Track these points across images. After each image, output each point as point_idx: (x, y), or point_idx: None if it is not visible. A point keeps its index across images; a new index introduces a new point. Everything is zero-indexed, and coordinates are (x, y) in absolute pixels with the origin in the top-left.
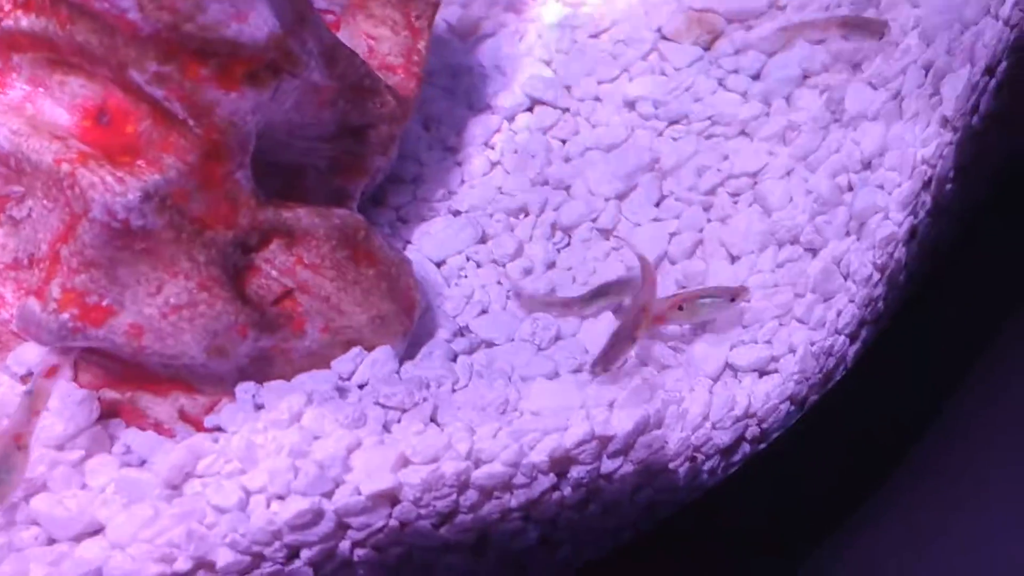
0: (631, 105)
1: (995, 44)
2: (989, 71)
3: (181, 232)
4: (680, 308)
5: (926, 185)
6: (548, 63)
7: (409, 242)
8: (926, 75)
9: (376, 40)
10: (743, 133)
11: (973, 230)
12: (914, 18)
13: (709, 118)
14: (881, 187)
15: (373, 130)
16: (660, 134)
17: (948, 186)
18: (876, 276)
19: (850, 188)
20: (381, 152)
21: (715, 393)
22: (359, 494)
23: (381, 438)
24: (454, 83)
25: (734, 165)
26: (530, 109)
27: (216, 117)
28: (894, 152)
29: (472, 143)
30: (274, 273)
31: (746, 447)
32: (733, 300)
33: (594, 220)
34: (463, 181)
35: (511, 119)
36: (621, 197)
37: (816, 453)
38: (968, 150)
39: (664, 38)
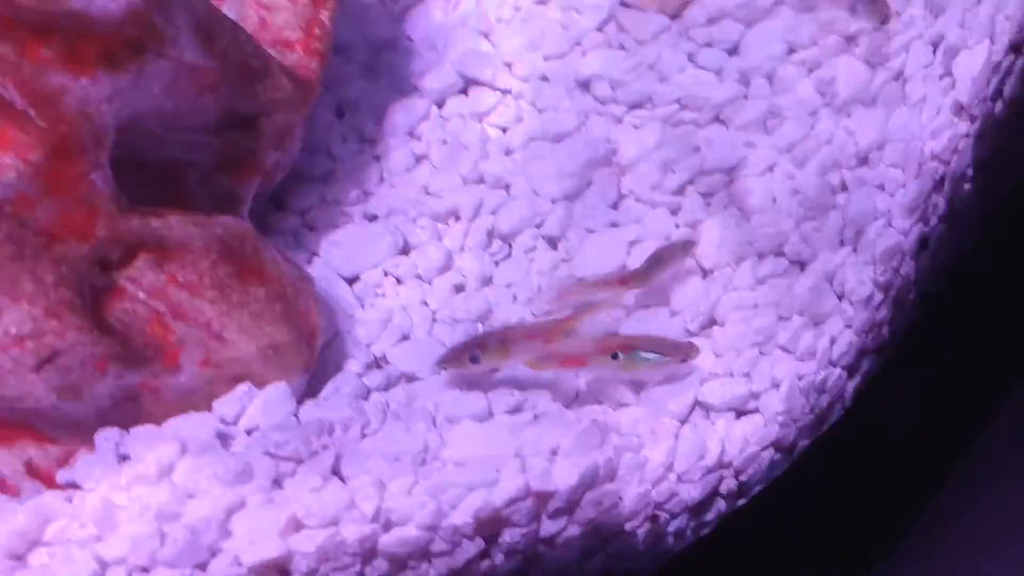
0: (584, 86)
1: (1021, 16)
2: (1015, 48)
3: (23, 247)
4: (614, 356)
5: (938, 185)
6: (486, 35)
7: (316, 254)
8: (934, 52)
9: (269, 10)
10: (717, 120)
11: (997, 239)
12: None
13: (677, 101)
14: (881, 187)
15: (266, 119)
16: (619, 121)
17: (966, 186)
18: (878, 296)
19: (844, 187)
20: (276, 145)
21: (682, 438)
22: (239, 565)
23: (270, 496)
24: (374, 59)
25: (706, 159)
26: (464, 91)
27: (64, 107)
28: (896, 144)
29: (394, 133)
30: (141, 295)
31: (721, 504)
32: (683, 360)
33: (539, 225)
34: (382, 179)
35: (441, 103)
36: (571, 198)
37: (807, 511)
38: (990, 143)
39: (624, 4)
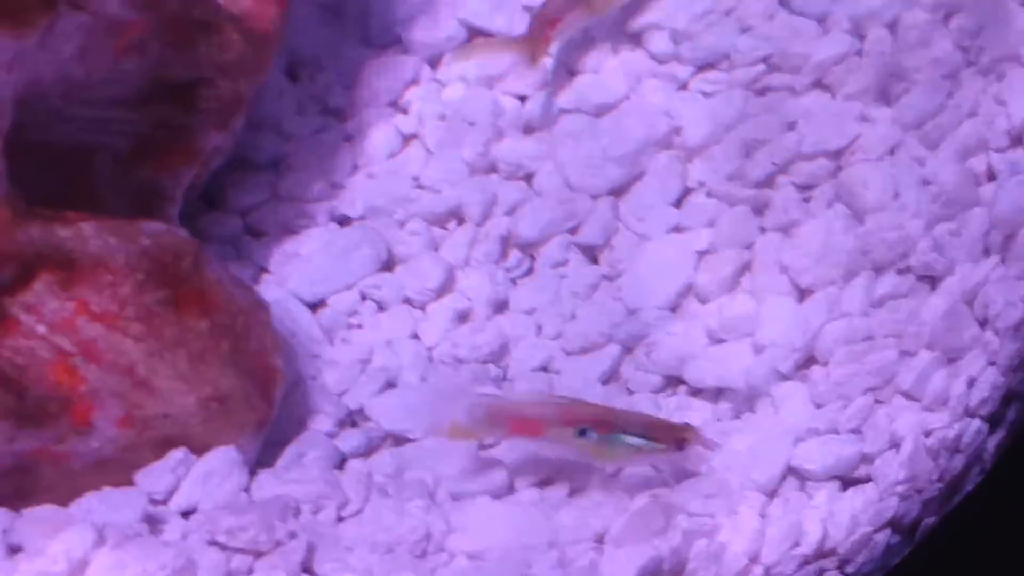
0: (635, 38)
1: None
2: None
3: None
4: (581, 432)
5: None
6: None
7: (265, 270)
8: None
9: None
10: (819, 86)
11: None
12: None
13: (764, 60)
14: None
15: (207, 88)
16: (683, 87)
17: None
18: None
19: (991, 177)
20: (219, 124)
21: (770, 518)
22: None
23: None
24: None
25: (805, 138)
26: (467, 43)
27: None
28: None
29: (370, 103)
30: (41, 329)
31: None
32: (680, 448)
33: (573, 231)
34: (356, 167)
35: (435, 63)
36: (618, 192)
37: None
38: None
39: None
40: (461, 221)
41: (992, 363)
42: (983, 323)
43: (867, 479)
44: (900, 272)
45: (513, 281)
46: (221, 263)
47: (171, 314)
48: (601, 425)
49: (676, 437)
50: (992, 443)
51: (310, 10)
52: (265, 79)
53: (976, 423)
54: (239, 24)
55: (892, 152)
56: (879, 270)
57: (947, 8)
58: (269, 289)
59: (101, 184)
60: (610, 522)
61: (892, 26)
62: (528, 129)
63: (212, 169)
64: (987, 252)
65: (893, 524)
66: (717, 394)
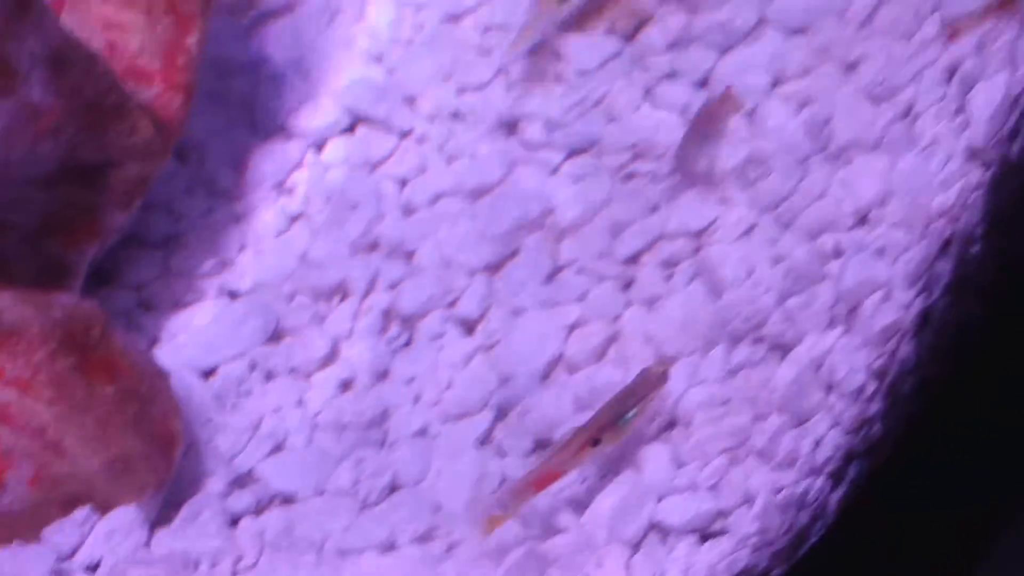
0: (510, 127)
1: None
2: None
3: None
4: (596, 443)
5: (944, 248)
6: (378, 59)
7: (157, 340)
8: (948, 81)
9: (120, 30)
10: (681, 171)
11: (1009, 311)
12: None
13: (630, 148)
14: (881, 252)
15: (115, 170)
16: (555, 171)
17: (975, 248)
18: (872, 386)
19: (837, 254)
20: (124, 203)
21: (634, 569)
22: None
23: None
24: (226, 87)
25: (668, 220)
26: (350, 131)
27: None
28: (901, 199)
29: (258, 185)
30: None
31: None
32: (656, 388)
33: (451, 304)
34: (244, 245)
35: (319, 147)
36: (493, 269)
37: None
38: (1006, 192)
39: (562, 23)
40: (345, 296)
41: (836, 425)
42: (828, 388)
43: (723, 532)
44: (754, 342)
45: (394, 352)
46: (125, 332)
47: (80, 380)
48: (607, 426)
49: (650, 384)
50: (835, 498)
51: (199, 97)
52: (167, 162)
53: (821, 480)
54: (147, 111)
55: (748, 232)
56: (735, 340)
57: (800, 99)
58: (163, 359)
59: (11, 256)
60: (488, 574)
61: (750, 115)
62: (409, 210)
63: (108, 245)
64: (833, 323)
65: (745, 574)
66: None
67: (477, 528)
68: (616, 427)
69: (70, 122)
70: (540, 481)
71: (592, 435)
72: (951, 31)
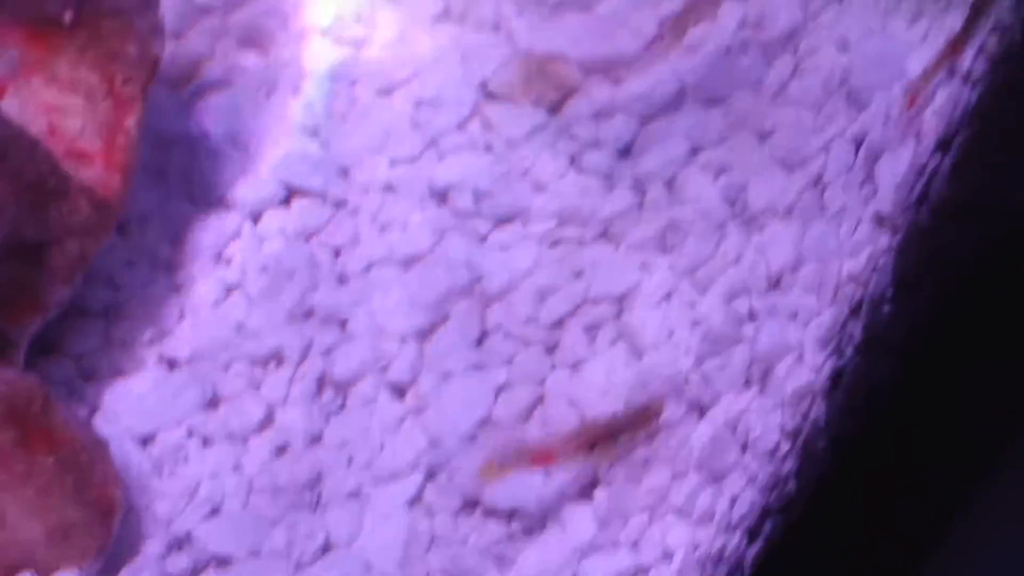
0: (441, 197)
1: (951, 109)
2: (943, 146)
3: None
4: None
5: (854, 311)
6: (314, 133)
7: (98, 409)
8: (856, 152)
9: (61, 114)
10: (605, 237)
11: (924, 368)
12: (841, 69)
13: (556, 215)
14: (794, 316)
15: (56, 248)
16: (483, 239)
17: (885, 308)
18: (785, 445)
19: (752, 317)
20: (65, 279)
21: None
22: None
23: None
24: (165, 160)
25: (591, 285)
26: (286, 203)
27: None
28: (811, 266)
29: (196, 256)
30: None
31: None
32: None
33: (383, 370)
34: (182, 315)
35: (256, 218)
36: (424, 335)
37: None
38: (913, 256)
39: (490, 96)
40: (280, 362)
41: (751, 483)
42: (744, 448)
43: None
44: (674, 401)
45: (327, 416)
46: (66, 404)
47: (21, 452)
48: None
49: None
50: (751, 554)
51: (140, 170)
52: (108, 239)
53: (737, 536)
54: (87, 191)
55: (668, 296)
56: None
57: (717, 167)
58: (102, 427)
59: None
60: None
61: (670, 183)
62: (343, 279)
63: (50, 317)
64: (748, 384)
65: None
66: (511, 515)
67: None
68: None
69: (11, 203)
70: (538, 458)
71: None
72: (910, 98)
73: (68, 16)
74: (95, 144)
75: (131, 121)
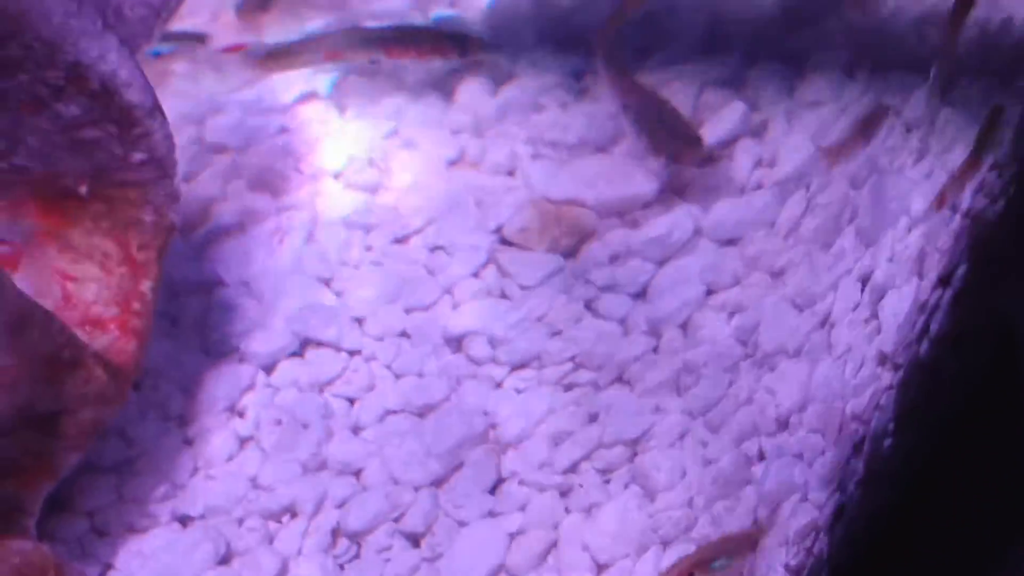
0: (455, 344)
1: (951, 245)
2: (943, 281)
3: None
4: None
5: (857, 448)
6: (327, 282)
7: (112, 566)
8: (863, 290)
9: (76, 281)
10: (620, 381)
11: (916, 500)
12: (851, 207)
13: (571, 360)
14: (800, 456)
15: (70, 417)
16: (499, 385)
17: (887, 442)
18: None
19: (761, 457)
20: (79, 446)
21: None
22: None
23: None
24: (176, 309)
25: (606, 429)
26: (299, 354)
27: None
28: (818, 406)
29: (209, 409)
30: None
31: None
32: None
33: (397, 519)
34: (196, 469)
35: (270, 369)
36: (439, 483)
37: None
38: (914, 390)
39: (506, 243)
40: (294, 515)
41: None
42: None
43: None
44: (684, 544)
45: (341, 566)
46: (79, 567)
47: None
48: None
49: (747, 544)
50: None
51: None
52: (123, 405)
53: None
54: (101, 359)
55: (681, 438)
56: (667, 544)
57: (731, 308)
58: None
59: None
60: None
61: (684, 326)
62: (357, 429)
63: (62, 477)
64: (755, 523)
65: None
66: None
67: None
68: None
69: (26, 377)
70: None
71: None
72: (938, 201)
73: (84, 189)
74: (110, 310)
75: (146, 286)
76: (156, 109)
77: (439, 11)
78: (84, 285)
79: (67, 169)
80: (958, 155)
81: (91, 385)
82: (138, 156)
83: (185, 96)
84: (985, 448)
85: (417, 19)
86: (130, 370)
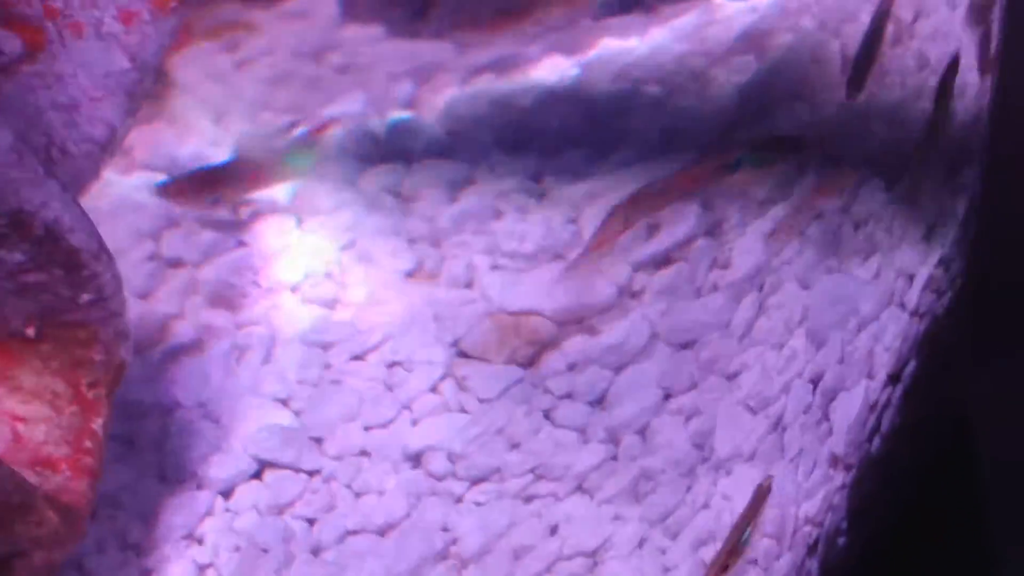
0: (415, 460)
1: (900, 344)
2: (893, 379)
3: None
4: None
5: (811, 550)
6: (285, 402)
7: None
8: (814, 392)
9: (26, 423)
10: (580, 490)
11: None
12: (802, 307)
13: (531, 471)
14: (755, 562)
15: (21, 561)
16: (459, 500)
17: (840, 540)
18: None
19: None
20: None
21: None
22: None
23: None
24: (133, 432)
25: (566, 541)
26: (258, 476)
27: None
28: (772, 511)
29: (167, 537)
30: None
31: None
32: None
33: None
34: None
35: (228, 494)
36: None
37: None
38: (867, 486)
39: (464, 355)
40: None
41: None
42: None
43: None
44: None
45: None
46: None
47: None
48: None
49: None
50: None
51: (110, 445)
52: (76, 545)
53: None
54: (53, 501)
55: (640, 546)
56: None
57: (687, 412)
58: None
59: None
60: None
61: (642, 432)
62: (317, 551)
63: None
64: None
65: None
66: None
67: None
68: (738, 549)
69: None
70: None
71: (723, 564)
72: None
73: (31, 331)
74: (61, 450)
75: (97, 424)
76: (102, 251)
77: (396, 114)
78: (34, 426)
79: (14, 312)
80: (907, 252)
81: (43, 528)
82: (86, 297)
83: (142, 210)
84: (941, 535)
85: (375, 122)
86: (82, 509)
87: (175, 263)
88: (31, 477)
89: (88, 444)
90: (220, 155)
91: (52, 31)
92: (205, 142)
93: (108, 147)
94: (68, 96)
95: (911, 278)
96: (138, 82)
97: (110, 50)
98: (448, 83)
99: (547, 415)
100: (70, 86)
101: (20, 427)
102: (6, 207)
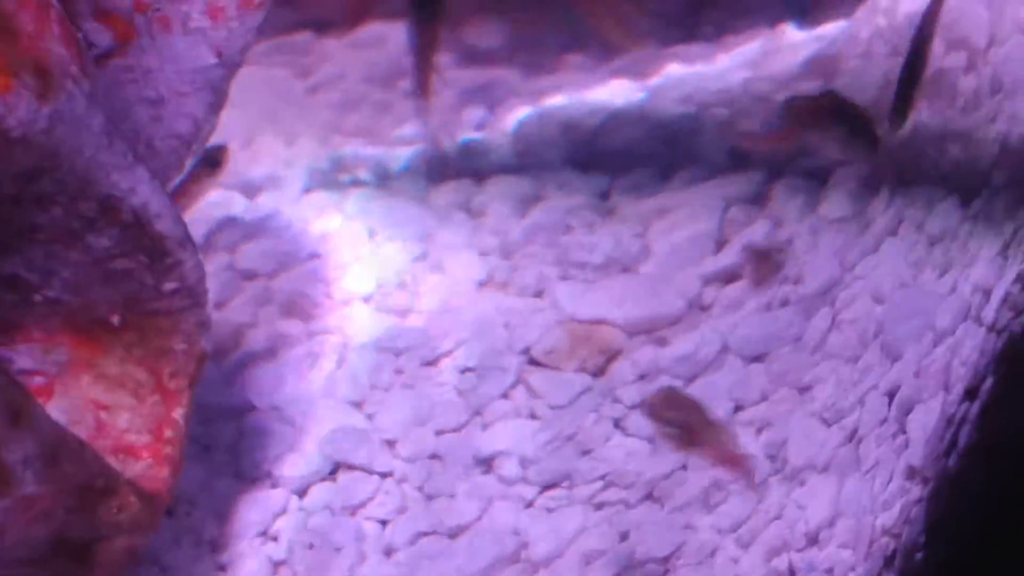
0: (486, 465)
1: (977, 358)
2: (970, 394)
3: None
4: None
5: (888, 562)
6: (358, 405)
7: None
8: (890, 404)
9: (109, 410)
10: (650, 498)
11: None
12: (876, 322)
13: (602, 478)
14: (830, 571)
15: (104, 545)
16: (530, 505)
17: (918, 555)
18: None
19: (792, 573)
20: (112, 575)
21: None
22: None
23: None
24: (209, 435)
25: (637, 547)
26: (332, 477)
27: None
28: (847, 520)
29: (243, 534)
30: None
31: None
32: None
33: None
34: None
35: (302, 494)
36: None
37: None
38: (943, 501)
39: (535, 363)
40: None
41: None
42: None
43: None
44: None
45: None
46: None
47: None
48: None
49: None
50: None
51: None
52: (156, 532)
53: None
54: (135, 487)
55: (712, 554)
56: None
57: (759, 423)
58: None
59: None
60: None
61: None
62: (389, 551)
63: None
64: None
65: None
66: None
67: None
68: None
69: (60, 506)
70: None
71: None
72: None
73: (116, 319)
74: (143, 438)
75: (178, 413)
76: (187, 239)
77: (466, 135)
78: (117, 413)
79: (99, 299)
80: (983, 269)
81: (124, 513)
82: (169, 286)
83: (217, 222)
84: (1017, 558)
85: (445, 142)
86: (163, 497)
87: (249, 275)
88: (113, 464)
89: (169, 433)
90: (292, 176)
91: (141, 25)
92: (279, 164)
93: (192, 143)
94: (155, 91)
95: (988, 294)
96: (224, 78)
97: (197, 45)
98: (517, 106)
99: (617, 423)
100: (157, 81)
101: (103, 415)
102: (95, 191)
